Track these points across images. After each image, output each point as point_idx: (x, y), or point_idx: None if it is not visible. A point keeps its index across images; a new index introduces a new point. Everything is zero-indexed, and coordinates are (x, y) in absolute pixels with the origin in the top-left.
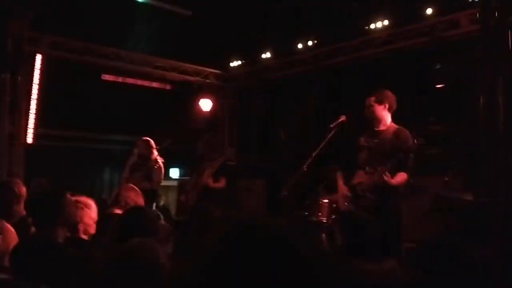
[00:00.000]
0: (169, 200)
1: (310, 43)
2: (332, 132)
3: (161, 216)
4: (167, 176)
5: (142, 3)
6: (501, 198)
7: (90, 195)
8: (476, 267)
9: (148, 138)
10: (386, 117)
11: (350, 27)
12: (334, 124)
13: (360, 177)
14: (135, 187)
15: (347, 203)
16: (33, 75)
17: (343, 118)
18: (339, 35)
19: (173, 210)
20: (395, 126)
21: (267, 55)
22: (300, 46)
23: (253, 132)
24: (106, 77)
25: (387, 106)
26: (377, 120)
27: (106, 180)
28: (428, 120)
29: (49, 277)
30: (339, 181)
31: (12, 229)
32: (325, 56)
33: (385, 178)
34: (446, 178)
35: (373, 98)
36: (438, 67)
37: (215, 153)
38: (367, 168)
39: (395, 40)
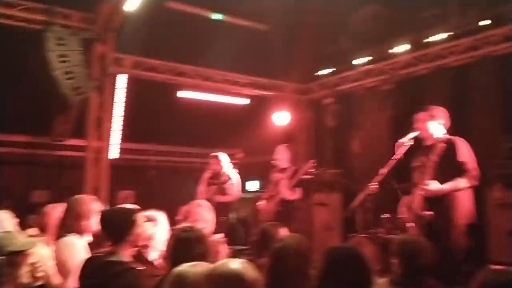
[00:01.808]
0: (249, 213)
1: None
2: (403, 147)
3: (240, 230)
4: (244, 189)
5: (218, 21)
6: None
7: (171, 208)
8: None
9: (218, 153)
10: (438, 133)
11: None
12: (404, 139)
13: (416, 196)
14: (203, 202)
15: (409, 226)
16: (117, 94)
17: (415, 131)
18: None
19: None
20: (448, 137)
21: (342, 66)
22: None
23: (329, 144)
24: (183, 94)
25: (440, 122)
26: (428, 136)
27: (188, 193)
28: None
29: None
30: (401, 203)
31: (82, 244)
32: (406, 64)
33: (428, 187)
34: None
35: (426, 114)
36: None
37: (291, 164)
38: (420, 186)
39: (480, 45)
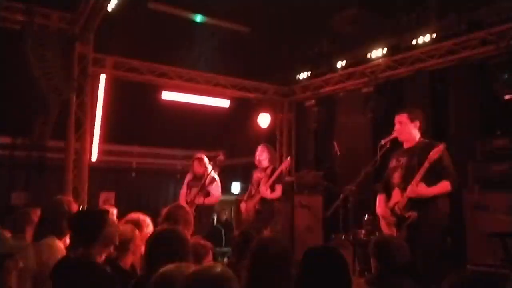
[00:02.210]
0: (231, 215)
1: (369, 55)
2: (384, 149)
3: (222, 232)
4: (228, 191)
5: (200, 23)
6: None
7: (154, 210)
8: None
9: (201, 156)
10: (416, 135)
11: (408, 38)
12: (386, 140)
13: (396, 197)
14: (183, 204)
15: (388, 225)
16: (97, 95)
17: (395, 132)
18: (397, 47)
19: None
20: (424, 140)
21: (323, 68)
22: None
23: (310, 146)
24: (166, 94)
25: (417, 124)
26: (407, 138)
27: (171, 195)
28: (494, 134)
29: None
30: (378, 203)
31: (62, 246)
32: (385, 68)
33: (415, 189)
34: None
35: (405, 115)
36: (505, 77)
37: (271, 164)
38: (401, 186)
39: (459, 50)
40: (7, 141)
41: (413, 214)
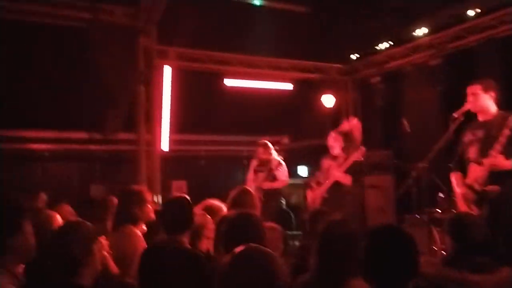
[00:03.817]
0: (300, 198)
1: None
2: (457, 122)
3: (292, 215)
4: (295, 175)
5: (258, 6)
6: None
7: (223, 196)
8: None
9: (265, 141)
10: (491, 106)
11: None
12: (458, 113)
13: (474, 172)
14: (249, 189)
15: (466, 203)
16: (163, 86)
17: (469, 105)
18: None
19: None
20: (501, 112)
21: (386, 44)
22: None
23: (377, 125)
24: (229, 82)
25: (492, 95)
26: (482, 110)
27: (239, 181)
28: None
29: (178, 281)
30: (453, 181)
31: (139, 233)
32: (453, 38)
33: (495, 160)
34: None
35: (479, 86)
36: None
37: (342, 151)
38: (479, 161)
39: None
40: (83, 136)
41: (494, 188)
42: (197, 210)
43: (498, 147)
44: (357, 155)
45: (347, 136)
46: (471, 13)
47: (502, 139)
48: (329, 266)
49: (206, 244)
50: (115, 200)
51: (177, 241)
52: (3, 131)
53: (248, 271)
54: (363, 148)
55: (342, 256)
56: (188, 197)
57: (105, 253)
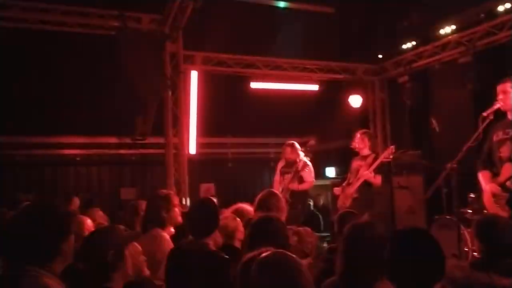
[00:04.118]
0: (328, 199)
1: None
2: (486, 122)
3: (320, 217)
4: (323, 176)
5: (283, 8)
6: None
7: (251, 198)
8: None
9: (292, 142)
10: None
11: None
12: (488, 112)
13: (508, 171)
14: (275, 191)
15: (496, 203)
16: (190, 90)
17: (499, 103)
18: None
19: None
20: None
21: (413, 42)
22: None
23: (406, 125)
24: (255, 84)
25: None
26: None
27: (266, 182)
28: None
29: (203, 282)
30: (481, 180)
31: (167, 236)
32: (483, 34)
33: None
34: None
35: (509, 84)
36: None
37: (371, 151)
38: None
39: None
40: (113, 140)
41: None
42: (227, 213)
43: None
44: (386, 154)
45: (373, 136)
46: (501, 8)
47: None
48: (355, 269)
49: (237, 245)
50: (144, 204)
51: (202, 243)
52: (38, 138)
53: (273, 277)
54: (392, 147)
55: (368, 259)
56: (214, 200)
57: (141, 258)
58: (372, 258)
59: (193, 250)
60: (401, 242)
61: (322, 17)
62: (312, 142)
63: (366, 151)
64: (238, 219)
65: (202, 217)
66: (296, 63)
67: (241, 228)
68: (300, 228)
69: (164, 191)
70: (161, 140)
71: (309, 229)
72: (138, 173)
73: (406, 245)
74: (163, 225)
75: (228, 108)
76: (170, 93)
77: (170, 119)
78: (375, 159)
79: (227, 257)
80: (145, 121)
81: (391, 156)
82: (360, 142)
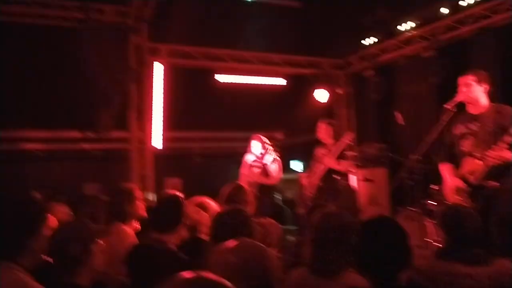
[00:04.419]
0: (295, 193)
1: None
2: (449, 114)
3: (287, 210)
4: (290, 170)
5: (250, 1)
6: None
7: (218, 193)
8: None
9: (259, 135)
10: (484, 99)
11: None
12: (450, 104)
13: (470, 165)
14: (242, 184)
15: (458, 195)
16: (155, 83)
17: (461, 95)
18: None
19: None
20: (494, 104)
21: (379, 37)
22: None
23: (371, 118)
24: (221, 77)
25: (485, 87)
26: (474, 101)
27: (234, 177)
28: None
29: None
30: (443, 173)
31: (129, 231)
32: (446, 29)
33: (504, 155)
34: None
35: (471, 77)
36: None
37: (333, 140)
38: (475, 154)
39: None
40: (76, 135)
41: (494, 184)
42: (189, 207)
43: (503, 143)
44: (345, 140)
45: (335, 125)
46: (463, 3)
47: (508, 137)
48: (324, 257)
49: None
50: (107, 199)
51: (163, 241)
52: None
53: (241, 264)
54: (351, 133)
55: (337, 247)
56: (180, 195)
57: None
58: (341, 247)
59: (153, 248)
60: (369, 231)
61: (289, 11)
62: (279, 136)
63: (329, 140)
64: (203, 212)
65: (167, 212)
66: (262, 56)
67: (205, 221)
68: (264, 220)
69: (127, 184)
70: (125, 134)
71: (273, 221)
72: (101, 167)
73: (374, 233)
74: (126, 220)
75: (195, 102)
76: (134, 86)
77: (134, 113)
78: (336, 146)
79: (186, 257)
80: (109, 115)
81: (350, 142)
82: (323, 131)
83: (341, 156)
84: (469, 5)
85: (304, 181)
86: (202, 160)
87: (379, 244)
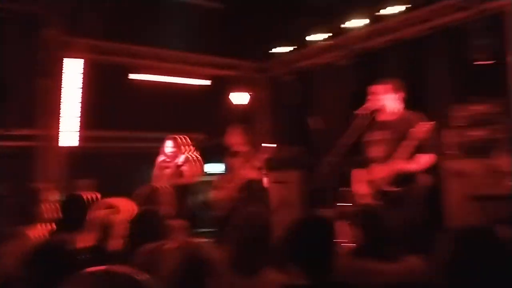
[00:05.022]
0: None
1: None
2: (360, 120)
3: (202, 212)
4: (209, 171)
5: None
6: None
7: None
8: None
9: (174, 136)
10: (396, 106)
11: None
12: (362, 111)
13: (378, 171)
14: (157, 185)
15: (368, 199)
16: (68, 79)
17: (371, 103)
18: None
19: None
20: (406, 112)
21: (299, 42)
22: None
23: (288, 122)
24: (138, 76)
25: (397, 95)
26: (385, 110)
27: (147, 178)
28: (469, 100)
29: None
30: (356, 178)
31: (30, 234)
32: (361, 39)
33: (405, 165)
34: (489, 162)
35: (383, 86)
36: (478, 43)
37: (247, 146)
38: (383, 161)
39: (432, 17)
40: None
41: (397, 189)
42: (102, 208)
43: (407, 152)
44: (266, 150)
45: (248, 131)
46: (382, 13)
47: (411, 147)
48: (244, 257)
49: (115, 243)
50: (11, 200)
51: (64, 241)
52: None
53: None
54: (273, 145)
55: (258, 246)
56: (84, 196)
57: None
58: (261, 246)
59: (53, 248)
60: (300, 229)
61: (212, 12)
62: (199, 137)
63: (242, 147)
64: (116, 214)
65: (70, 213)
66: (183, 56)
67: (118, 222)
68: (174, 222)
69: (33, 185)
70: (32, 132)
71: (181, 222)
72: (7, 167)
73: (305, 232)
74: (30, 222)
75: (114, 100)
76: (44, 81)
77: (42, 109)
78: (252, 154)
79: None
80: (15, 111)
81: (272, 153)
82: (235, 137)
83: (260, 163)
84: (382, 17)
85: (222, 184)
86: (119, 160)
87: (309, 242)
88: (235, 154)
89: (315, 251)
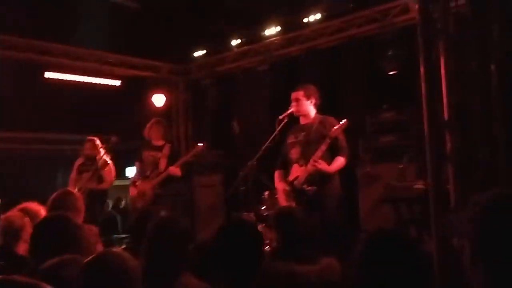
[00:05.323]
0: (128, 200)
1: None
2: (282, 124)
3: (118, 218)
4: (123, 176)
5: None
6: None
7: (42, 198)
8: (419, 261)
9: (93, 138)
10: (311, 111)
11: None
12: (283, 115)
13: (296, 172)
14: (71, 190)
15: (287, 199)
16: None
17: (293, 109)
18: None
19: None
20: (320, 116)
21: (219, 47)
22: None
23: (208, 126)
24: (50, 75)
25: (313, 101)
26: (304, 114)
27: (59, 182)
28: (381, 107)
29: None
30: (277, 179)
31: None
32: (279, 46)
33: (318, 165)
34: (400, 166)
35: (301, 93)
36: (390, 53)
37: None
38: (300, 162)
39: (347, 28)
40: None
41: (312, 188)
42: (14, 212)
43: (319, 153)
44: (195, 151)
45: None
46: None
47: (324, 147)
48: (159, 265)
49: (25, 247)
50: None
51: None
52: None
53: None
54: (202, 145)
55: (172, 253)
56: None
57: None
58: (176, 253)
59: None
60: (225, 234)
61: (129, 11)
62: (114, 139)
63: (159, 141)
64: (27, 218)
65: None
66: (98, 55)
67: (29, 228)
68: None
69: None
70: None
71: (93, 228)
72: None
73: (230, 237)
74: None
75: (19, 99)
76: None
77: None
78: (171, 149)
79: None
80: None
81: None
82: (153, 131)
83: (183, 163)
84: (301, 25)
85: (134, 189)
86: (27, 163)
87: (235, 248)
88: (152, 149)
89: (240, 256)
